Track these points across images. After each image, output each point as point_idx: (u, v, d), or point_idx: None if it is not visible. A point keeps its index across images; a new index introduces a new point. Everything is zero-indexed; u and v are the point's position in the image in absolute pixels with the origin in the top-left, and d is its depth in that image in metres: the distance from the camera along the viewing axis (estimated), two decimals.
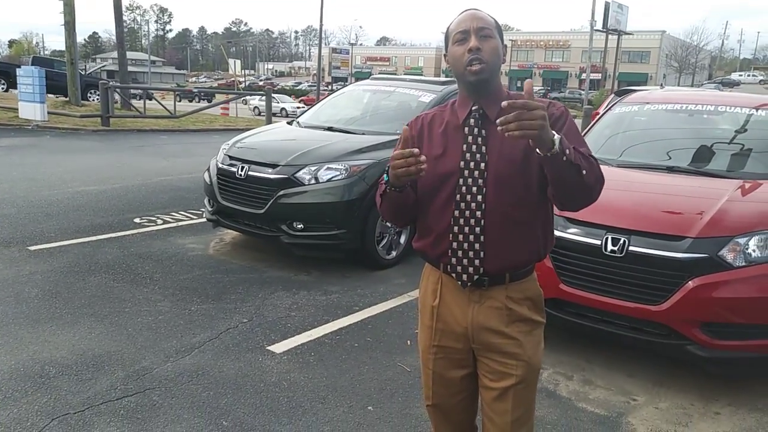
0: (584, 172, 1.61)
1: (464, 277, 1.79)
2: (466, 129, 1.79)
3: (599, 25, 44.74)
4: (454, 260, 1.79)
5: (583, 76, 49.18)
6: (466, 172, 1.76)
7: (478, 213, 1.76)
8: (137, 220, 6.38)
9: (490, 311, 1.81)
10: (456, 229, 1.77)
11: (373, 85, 6.67)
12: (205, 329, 3.85)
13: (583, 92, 43.39)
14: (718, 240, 3.18)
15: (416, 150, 1.61)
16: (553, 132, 1.54)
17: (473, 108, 1.79)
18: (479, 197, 1.75)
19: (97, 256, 5.17)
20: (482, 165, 1.75)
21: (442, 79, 6.90)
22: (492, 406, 1.85)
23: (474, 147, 1.77)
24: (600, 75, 54.98)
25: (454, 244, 1.78)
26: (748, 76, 67.77)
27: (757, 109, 4.58)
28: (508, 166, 1.74)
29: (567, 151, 1.55)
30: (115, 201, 7.20)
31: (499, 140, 1.70)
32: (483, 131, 1.77)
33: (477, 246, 1.76)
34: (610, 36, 48.99)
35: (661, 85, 12.58)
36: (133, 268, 4.92)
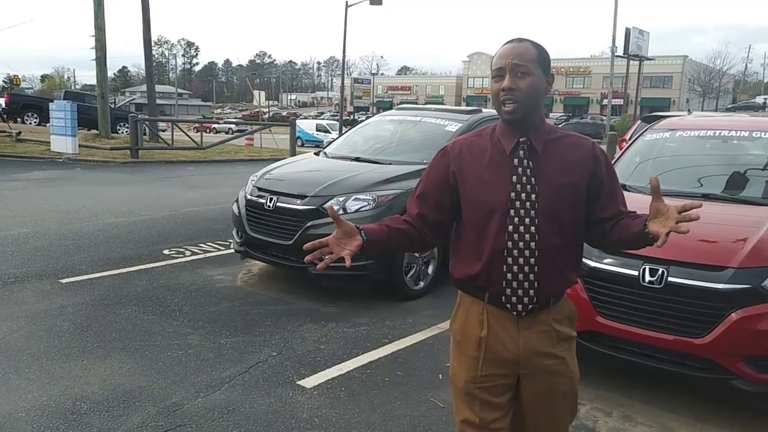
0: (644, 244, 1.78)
1: (519, 307, 1.82)
2: (516, 160, 1.81)
3: (620, 51, 44.74)
4: (509, 291, 1.81)
5: (605, 102, 49.00)
6: (518, 203, 1.78)
7: (532, 244, 1.78)
8: (166, 252, 6.43)
9: (539, 335, 1.85)
10: (510, 260, 1.79)
11: (399, 115, 6.70)
12: (235, 363, 3.83)
13: (605, 118, 43.15)
14: (760, 270, 3.08)
15: (324, 241, 1.77)
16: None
17: (521, 140, 1.82)
18: (532, 228, 1.78)
19: (127, 288, 5.21)
20: (533, 197, 1.78)
21: (468, 108, 6.92)
22: (539, 425, 1.92)
23: (524, 179, 1.79)
24: (622, 101, 54.72)
25: (509, 275, 1.80)
26: None
27: None
28: (558, 199, 1.79)
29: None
30: (144, 233, 7.28)
31: (548, 173, 1.79)
32: (531, 163, 1.80)
33: (531, 277, 1.79)
34: (631, 61, 48.90)
35: (689, 110, 12.44)
36: (163, 301, 4.94)
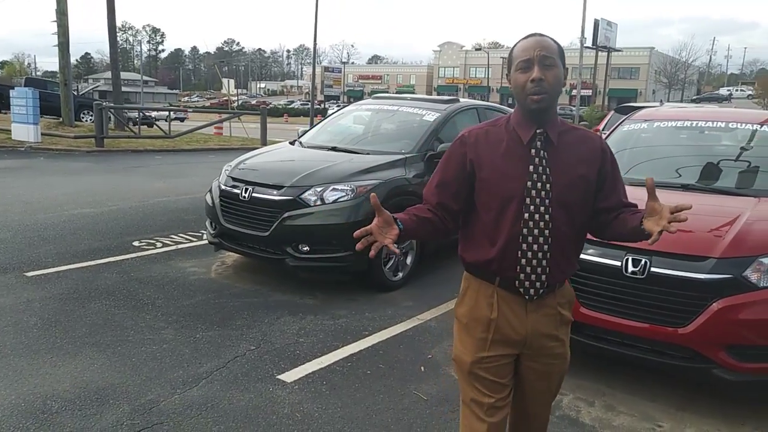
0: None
1: (531, 291, 1.90)
2: (533, 151, 1.87)
3: (589, 42, 45.20)
4: (522, 276, 1.89)
5: (574, 92, 49.51)
6: (533, 192, 1.85)
7: (546, 232, 1.87)
8: (136, 244, 6.26)
9: (546, 318, 1.95)
10: (525, 246, 1.87)
11: (376, 104, 6.61)
12: (212, 358, 3.73)
13: (574, 108, 43.64)
14: (741, 260, 3.10)
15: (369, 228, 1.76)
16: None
17: (538, 131, 1.88)
18: (546, 216, 1.86)
19: (96, 281, 5.04)
20: (548, 186, 1.85)
21: (446, 97, 6.87)
22: (531, 400, 2.06)
23: (540, 168, 1.86)
24: (590, 91, 55.45)
25: (523, 261, 1.88)
26: (737, 90, 68.56)
27: (761, 124, 4.54)
28: (570, 189, 1.88)
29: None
30: (113, 224, 7.07)
31: (561, 164, 1.88)
32: (546, 154, 1.88)
33: (544, 262, 1.88)
34: (599, 53, 49.52)
35: (661, 101, 12.61)
36: (135, 294, 4.79)
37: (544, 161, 1.85)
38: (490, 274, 1.94)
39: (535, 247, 1.86)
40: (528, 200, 1.84)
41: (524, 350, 1.96)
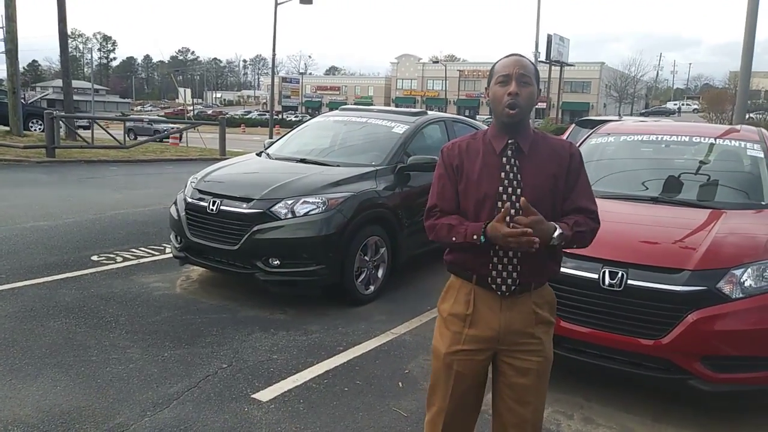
0: (575, 246, 2.07)
1: (503, 288, 2.06)
2: (504, 159, 2.06)
3: (543, 57, 46.28)
4: (494, 273, 2.06)
5: None
6: (505, 196, 2.03)
7: None
8: (95, 258, 6.02)
9: (519, 315, 2.08)
10: (496, 246, 2.01)
11: (344, 116, 6.55)
12: (182, 377, 3.59)
13: (529, 121, 44.50)
14: (715, 272, 3.17)
15: (529, 230, 1.88)
16: (555, 227, 1.95)
17: (510, 141, 2.07)
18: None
19: (54, 298, 4.81)
20: (518, 190, 2.02)
21: (415, 110, 6.88)
22: (516, 398, 2.11)
23: (511, 174, 2.04)
24: (545, 104, 56.68)
25: (495, 259, 2.05)
26: (684, 105, 71.23)
27: (717, 138, 4.68)
28: (538, 192, 2.03)
29: (563, 242, 1.98)
30: (69, 237, 6.79)
31: (531, 170, 2.05)
32: (517, 161, 2.06)
33: (515, 261, 2.04)
34: (553, 67, 50.75)
35: (619, 115, 12.98)
36: (96, 311, 4.59)
37: (515, 168, 2.04)
38: (467, 272, 2.12)
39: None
40: (500, 203, 2.01)
41: (499, 346, 2.09)
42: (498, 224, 1.92)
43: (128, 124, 20.56)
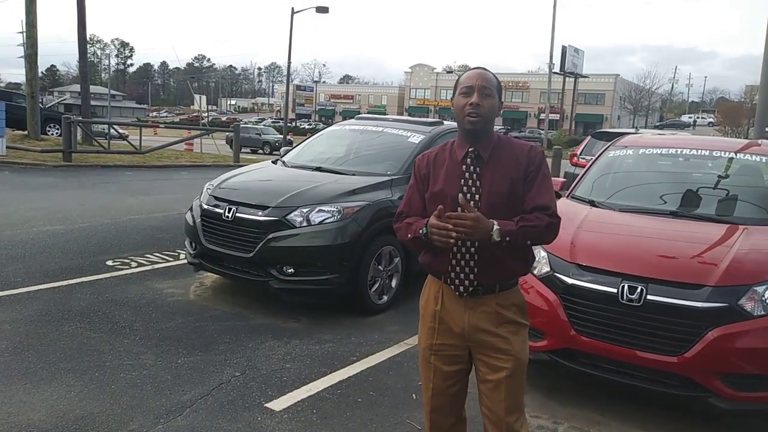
0: (532, 241, 2.15)
1: (461, 288, 2.19)
2: (464, 166, 2.19)
3: (557, 68, 46.26)
4: (453, 274, 2.19)
5: (542, 116, 50.48)
6: None
7: None
8: (110, 263, 6.05)
9: (482, 315, 2.19)
10: (455, 249, 2.15)
11: (360, 125, 6.55)
12: (196, 385, 3.58)
13: (542, 132, 44.46)
14: (736, 288, 3.12)
15: (449, 225, 1.99)
16: (493, 223, 2.02)
17: (470, 150, 2.20)
18: None
19: (69, 302, 4.84)
20: (477, 196, 2.16)
21: (430, 120, 6.88)
22: (489, 396, 2.21)
23: (470, 181, 2.17)
24: (558, 115, 56.53)
25: (453, 261, 2.18)
26: (699, 118, 70.73)
27: (737, 152, 4.63)
28: (497, 197, 2.15)
29: (507, 238, 2.04)
30: (84, 242, 6.84)
31: (490, 177, 2.17)
32: (477, 168, 2.19)
33: (472, 263, 2.16)
34: (567, 78, 50.65)
35: (636, 128, 12.89)
36: (110, 316, 4.60)
37: (474, 175, 2.17)
38: (435, 272, 2.27)
39: (463, 249, 2.15)
40: (459, 209, 2.06)
41: (469, 343, 2.22)
42: (433, 219, 2.03)
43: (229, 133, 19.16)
